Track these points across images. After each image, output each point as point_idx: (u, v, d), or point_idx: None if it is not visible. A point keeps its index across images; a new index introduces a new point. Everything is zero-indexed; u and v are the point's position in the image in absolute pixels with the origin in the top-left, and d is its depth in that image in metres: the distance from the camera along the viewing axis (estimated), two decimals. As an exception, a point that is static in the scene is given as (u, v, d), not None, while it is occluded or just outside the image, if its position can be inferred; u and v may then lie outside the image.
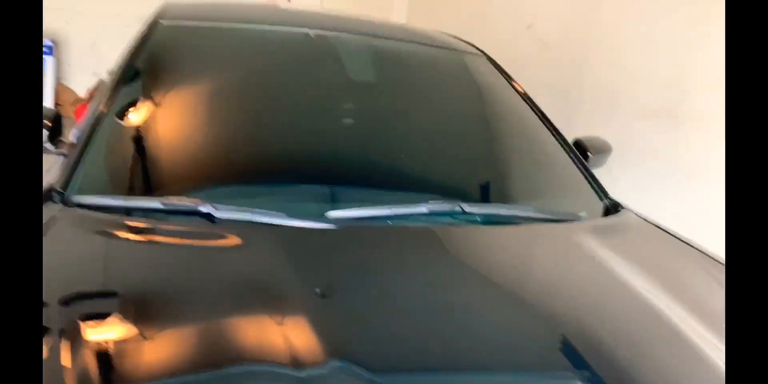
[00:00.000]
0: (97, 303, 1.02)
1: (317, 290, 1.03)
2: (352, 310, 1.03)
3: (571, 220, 1.50)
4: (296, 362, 0.85)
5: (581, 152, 1.96)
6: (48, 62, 5.29)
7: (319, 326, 0.91)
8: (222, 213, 1.23)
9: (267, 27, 1.93)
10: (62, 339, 0.86)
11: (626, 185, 2.96)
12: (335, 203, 1.43)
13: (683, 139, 2.83)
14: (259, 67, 1.80)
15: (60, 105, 5.44)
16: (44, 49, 5.28)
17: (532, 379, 0.96)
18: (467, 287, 1.16)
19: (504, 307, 1.13)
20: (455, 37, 2.38)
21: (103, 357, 0.85)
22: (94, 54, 5.65)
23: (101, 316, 0.95)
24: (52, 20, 5.51)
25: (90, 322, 0.92)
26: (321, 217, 1.27)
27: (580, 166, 1.84)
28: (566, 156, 1.86)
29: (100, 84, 1.70)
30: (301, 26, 1.94)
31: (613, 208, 1.70)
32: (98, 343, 0.88)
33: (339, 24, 2.13)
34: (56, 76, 5.38)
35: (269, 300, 1.01)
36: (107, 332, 0.92)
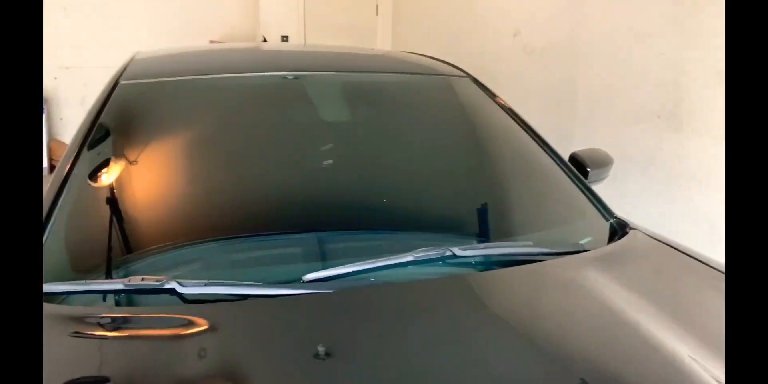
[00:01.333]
0: None
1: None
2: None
3: (575, 252, 1.37)
4: None
5: (579, 168, 1.83)
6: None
7: None
8: (189, 289, 1.12)
9: (238, 74, 1.85)
10: None
11: (633, 193, 2.82)
12: (318, 259, 1.32)
13: (684, 141, 2.70)
14: (230, 119, 1.71)
15: (55, 160, 5.42)
16: (35, 107, 5.29)
17: None
18: (467, 344, 1.04)
19: (508, 363, 1.00)
20: (435, 59, 2.28)
21: None
22: (85, 107, 5.65)
23: None
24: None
25: None
26: (297, 283, 1.16)
27: (578, 183, 1.71)
28: (563, 175, 1.73)
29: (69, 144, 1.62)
30: (273, 69, 1.86)
31: (620, 228, 1.56)
32: None
33: (314, 61, 2.05)
34: (49, 132, 5.38)
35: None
36: None
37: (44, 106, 5.31)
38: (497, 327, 1.11)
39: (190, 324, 1.07)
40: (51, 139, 5.42)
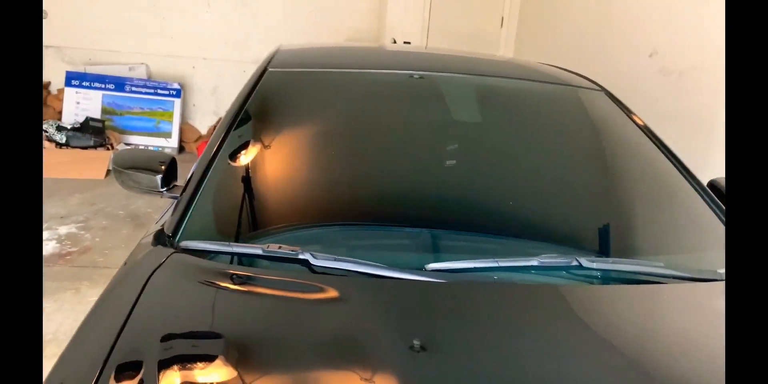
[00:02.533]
0: (196, 345, 1.01)
1: (416, 343, 0.95)
2: (447, 369, 0.93)
3: (709, 280, 1.29)
4: None
5: (718, 195, 1.72)
6: (176, 103, 5.76)
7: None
8: (320, 261, 1.18)
9: (375, 71, 1.92)
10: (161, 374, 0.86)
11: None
12: (437, 252, 1.34)
13: None
14: (363, 111, 1.78)
15: (185, 142, 5.87)
16: (172, 91, 5.77)
17: None
18: (577, 356, 1.01)
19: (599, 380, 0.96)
20: (569, 71, 2.23)
21: None
22: (216, 95, 6.08)
23: (200, 357, 0.95)
24: (181, 66, 6.04)
25: (189, 363, 0.93)
26: (420, 270, 1.18)
27: (716, 211, 1.61)
28: (700, 199, 1.63)
29: (219, 123, 1.76)
30: (406, 69, 1.91)
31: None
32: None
33: (444, 64, 2.08)
34: (182, 115, 5.83)
35: (364, 354, 0.96)
36: (205, 374, 0.90)
37: (181, 93, 5.77)
38: (604, 343, 1.08)
39: (317, 290, 1.13)
40: (183, 122, 5.87)
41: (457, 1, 6.06)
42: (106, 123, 5.41)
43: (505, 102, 1.89)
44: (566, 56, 4.47)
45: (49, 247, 3.45)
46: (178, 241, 1.29)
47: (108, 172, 4.92)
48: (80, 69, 5.73)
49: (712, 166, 2.86)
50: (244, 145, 1.62)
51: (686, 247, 1.54)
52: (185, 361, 0.94)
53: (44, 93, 5.71)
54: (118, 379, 0.89)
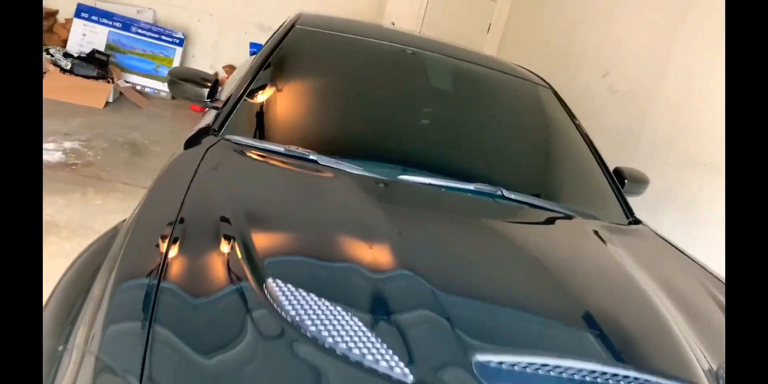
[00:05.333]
0: (237, 191, 1.42)
1: (397, 231, 1.36)
2: (419, 242, 1.39)
3: (589, 217, 1.89)
4: (376, 268, 1.16)
5: (619, 178, 2.33)
6: (177, 51, 6.12)
7: (395, 249, 1.26)
8: (324, 160, 1.72)
9: (377, 41, 2.45)
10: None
11: (667, 226, 3.25)
12: (406, 168, 1.87)
13: (719, 190, 3.11)
14: (367, 68, 2.31)
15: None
16: (176, 39, 6.13)
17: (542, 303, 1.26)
18: (505, 238, 1.61)
19: (533, 259, 1.51)
20: (529, 71, 2.82)
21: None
22: (216, 50, 6.46)
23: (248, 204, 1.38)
24: (186, 18, 6.39)
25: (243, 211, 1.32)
26: (394, 179, 1.74)
27: (614, 187, 2.22)
28: (604, 178, 2.24)
29: (253, 59, 2.26)
30: (402, 44, 2.45)
31: (635, 223, 2.06)
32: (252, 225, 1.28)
33: (433, 46, 2.62)
34: (181, 64, 6.19)
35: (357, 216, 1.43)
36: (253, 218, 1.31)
37: (184, 42, 6.14)
38: (507, 231, 1.68)
39: (317, 171, 1.66)
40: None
41: (451, 4, 6.63)
42: (110, 58, 5.73)
43: (473, 80, 2.46)
44: (537, 67, 5.09)
45: (55, 156, 3.83)
46: (223, 135, 1.80)
47: (107, 103, 5.27)
48: (91, 3, 6.01)
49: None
50: (273, 78, 2.13)
51: (586, 206, 2.10)
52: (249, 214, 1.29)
53: (52, 20, 5.97)
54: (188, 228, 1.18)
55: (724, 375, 1.17)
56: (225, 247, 1.14)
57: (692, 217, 3.24)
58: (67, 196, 3.27)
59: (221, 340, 0.91)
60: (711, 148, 3.22)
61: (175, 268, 1.03)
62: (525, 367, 0.99)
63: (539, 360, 1.01)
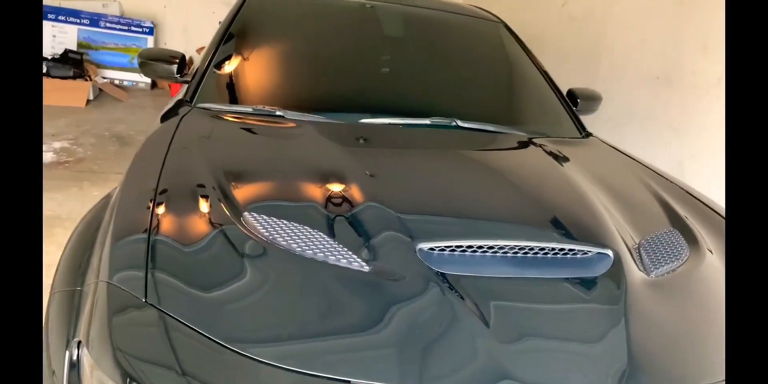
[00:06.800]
0: (213, 150, 1.57)
1: (367, 172, 1.48)
2: (382, 167, 1.55)
3: (540, 136, 2.04)
4: (347, 203, 1.31)
5: (572, 99, 2.46)
6: (149, 40, 6.17)
7: (359, 184, 1.39)
8: (289, 115, 1.86)
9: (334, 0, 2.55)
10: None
11: (630, 138, 3.40)
12: (367, 112, 2.00)
13: (671, 98, 3.24)
14: (324, 26, 2.41)
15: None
16: (145, 29, 6.17)
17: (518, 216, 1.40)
18: (462, 163, 1.76)
19: (482, 174, 1.67)
20: (482, 9, 2.91)
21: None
22: (186, 35, 6.50)
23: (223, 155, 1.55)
24: (152, 5, 6.41)
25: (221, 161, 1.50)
26: (356, 122, 1.88)
27: (566, 107, 2.35)
28: (557, 100, 2.37)
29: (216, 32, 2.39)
30: None
31: (587, 137, 2.21)
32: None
33: None
34: (154, 53, 6.26)
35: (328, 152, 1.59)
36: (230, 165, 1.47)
37: (153, 30, 6.18)
38: (474, 155, 1.84)
39: (285, 125, 1.81)
40: (154, 59, 6.30)
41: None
42: (83, 56, 5.80)
43: (427, 24, 2.56)
44: (503, 7, 5.14)
45: (47, 156, 3.98)
46: (195, 104, 1.94)
47: (88, 101, 5.38)
48: (56, 3, 6.04)
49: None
50: (236, 46, 2.25)
51: (541, 127, 2.25)
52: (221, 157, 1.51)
53: (20, 27, 6.01)
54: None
55: (645, 244, 1.34)
56: (205, 200, 1.29)
57: (649, 127, 3.39)
58: (64, 191, 3.43)
59: (211, 264, 1.08)
60: (661, 61, 3.33)
61: (164, 224, 1.18)
62: (464, 250, 1.16)
63: (475, 242, 1.17)
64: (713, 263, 1.32)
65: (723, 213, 1.63)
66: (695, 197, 1.71)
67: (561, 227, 1.32)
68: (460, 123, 1.98)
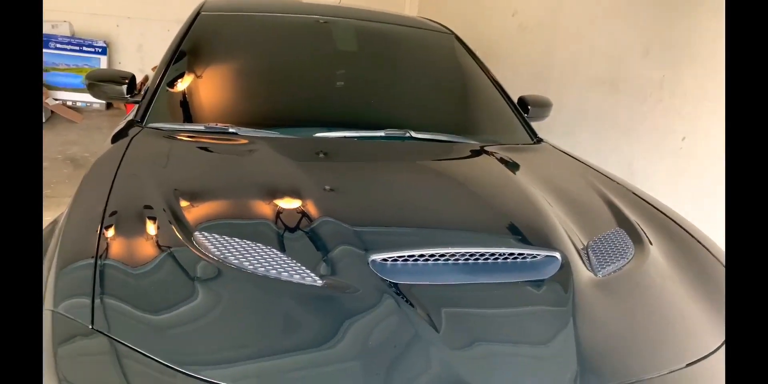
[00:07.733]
0: (163, 171, 1.56)
1: (326, 187, 1.49)
2: (336, 181, 1.56)
3: (493, 143, 2.09)
4: (302, 218, 1.31)
5: (523, 106, 2.52)
6: (102, 61, 6.07)
7: (318, 200, 1.40)
8: (243, 132, 1.86)
9: (287, 15, 2.55)
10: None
11: (583, 142, 3.50)
12: (323, 126, 2.01)
13: (618, 101, 3.36)
14: (275, 42, 2.42)
15: (112, 98, 6.20)
16: (98, 48, 6.07)
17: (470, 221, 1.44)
18: (417, 174, 1.78)
19: (436, 184, 1.70)
20: (434, 22, 2.97)
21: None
22: (141, 53, 6.42)
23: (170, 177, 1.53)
24: (105, 25, 6.31)
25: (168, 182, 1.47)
26: (311, 137, 1.89)
27: (518, 115, 2.41)
28: (508, 108, 2.43)
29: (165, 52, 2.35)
30: (314, 15, 2.56)
31: (538, 143, 2.27)
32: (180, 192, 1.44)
33: (345, 13, 2.74)
34: (108, 73, 6.15)
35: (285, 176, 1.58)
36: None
37: (107, 50, 6.08)
38: (429, 165, 1.88)
39: (238, 143, 1.80)
40: (109, 78, 6.19)
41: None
42: (34, 78, 5.65)
43: (379, 38, 2.59)
44: (455, 17, 5.25)
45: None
46: (146, 124, 1.92)
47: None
48: (2, 26, 5.88)
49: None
50: (187, 64, 2.24)
51: (493, 135, 2.29)
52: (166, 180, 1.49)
53: (-35, 50, 5.84)
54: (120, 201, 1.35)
55: (593, 245, 1.38)
56: (154, 223, 1.27)
57: (601, 130, 3.50)
58: (20, 216, 3.33)
59: (162, 287, 1.07)
60: (608, 66, 3.46)
61: (112, 248, 1.16)
62: (416, 260, 1.18)
63: (427, 251, 1.19)
64: (657, 259, 1.37)
65: (666, 211, 1.69)
66: (640, 197, 1.78)
67: (512, 233, 1.36)
68: (413, 134, 2.00)
